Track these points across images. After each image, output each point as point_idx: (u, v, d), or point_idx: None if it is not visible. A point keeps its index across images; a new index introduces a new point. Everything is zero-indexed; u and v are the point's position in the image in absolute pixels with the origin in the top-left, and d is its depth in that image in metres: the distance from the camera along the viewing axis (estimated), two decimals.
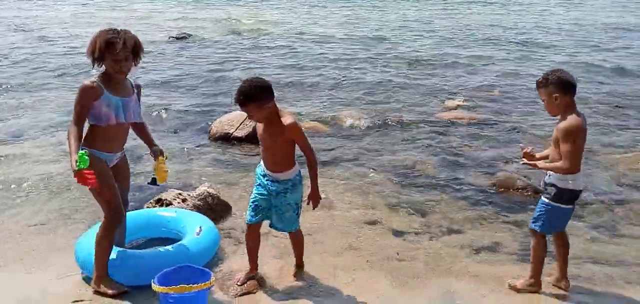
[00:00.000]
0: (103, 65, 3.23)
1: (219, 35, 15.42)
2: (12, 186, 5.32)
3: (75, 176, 3.05)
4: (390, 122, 7.62)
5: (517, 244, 4.36)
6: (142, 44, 3.34)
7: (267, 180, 3.43)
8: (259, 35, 15.63)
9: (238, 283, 3.59)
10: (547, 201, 3.39)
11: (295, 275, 3.76)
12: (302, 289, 3.62)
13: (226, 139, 6.80)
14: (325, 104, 8.72)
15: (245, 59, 12.19)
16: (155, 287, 2.97)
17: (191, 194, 4.73)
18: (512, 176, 5.66)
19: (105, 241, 3.34)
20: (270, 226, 3.59)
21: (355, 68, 11.45)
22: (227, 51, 13.13)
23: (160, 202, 4.61)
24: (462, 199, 5.25)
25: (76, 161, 3.00)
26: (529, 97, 8.83)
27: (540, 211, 3.43)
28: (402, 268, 3.95)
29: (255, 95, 3.20)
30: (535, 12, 21.50)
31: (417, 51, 13.34)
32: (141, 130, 3.63)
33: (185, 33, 15.20)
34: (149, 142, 3.65)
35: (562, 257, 3.58)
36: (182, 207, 4.46)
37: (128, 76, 3.38)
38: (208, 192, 4.78)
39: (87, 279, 3.55)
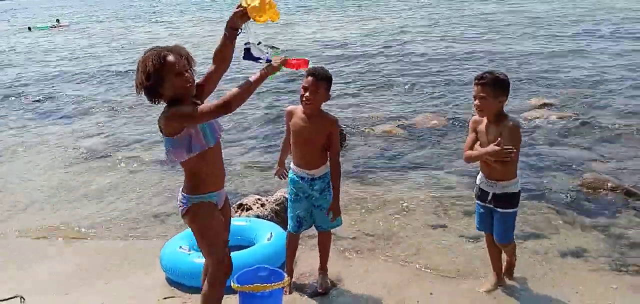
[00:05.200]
0: (161, 97, 2.59)
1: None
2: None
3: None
4: (468, 124, 7.43)
5: (604, 249, 4.12)
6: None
7: (306, 182, 3.46)
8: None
9: (287, 293, 3.61)
10: None
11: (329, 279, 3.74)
12: (374, 290, 3.68)
13: None
14: (400, 107, 8.68)
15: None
16: (235, 286, 3.19)
17: (269, 199, 4.94)
18: (601, 177, 5.33)
19: (213, 299, 2.93)
20: (317, 228, 3.64)
21: (430, 69, 11.26)
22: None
23: (241, 207, 4.85)
24: (545, 201, 5.01)
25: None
26: (628, 93, 8.26)
27: None
28: (469, 274, 3.87)
29: (330, 79, 3.34)
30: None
31: (498, 45, 12.85)
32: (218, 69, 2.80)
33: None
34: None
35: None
36: (261, 212, 4.68)
37: None
38: (285, 197, 4.94)
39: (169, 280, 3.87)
